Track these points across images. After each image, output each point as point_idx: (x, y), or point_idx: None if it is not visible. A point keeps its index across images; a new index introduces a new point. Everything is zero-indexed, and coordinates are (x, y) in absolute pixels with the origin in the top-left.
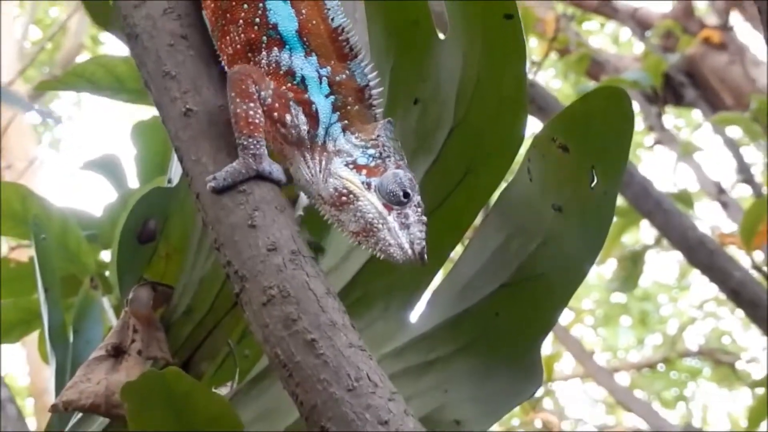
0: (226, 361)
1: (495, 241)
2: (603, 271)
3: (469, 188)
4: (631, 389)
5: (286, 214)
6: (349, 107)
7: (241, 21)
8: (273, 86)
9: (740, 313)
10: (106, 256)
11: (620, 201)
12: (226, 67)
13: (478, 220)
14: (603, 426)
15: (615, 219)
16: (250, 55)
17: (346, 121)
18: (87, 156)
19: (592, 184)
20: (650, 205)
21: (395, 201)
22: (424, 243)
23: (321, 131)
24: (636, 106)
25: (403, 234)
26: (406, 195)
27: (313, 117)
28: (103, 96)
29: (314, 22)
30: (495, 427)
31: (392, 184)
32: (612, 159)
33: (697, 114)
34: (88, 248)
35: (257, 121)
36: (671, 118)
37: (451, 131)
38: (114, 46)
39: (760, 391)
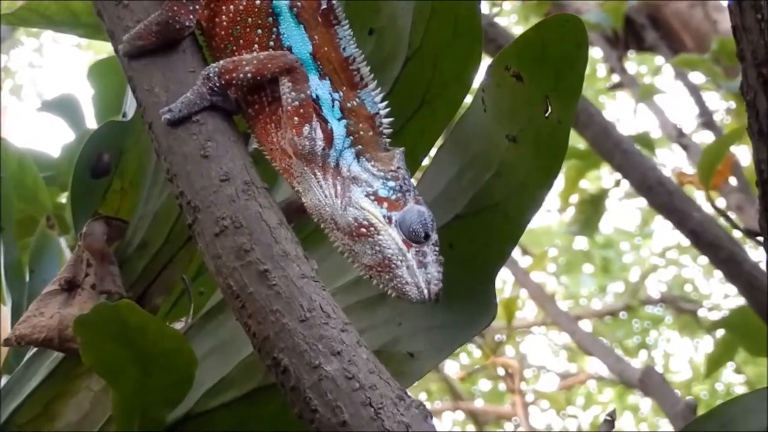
0: (181, 298)
1: (449, 171)
2: (564, 218)
3: (425, 119)
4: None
5: (240, 145)
6: (362, 133)
7: (255, 46)
8: (306, 95)
9: (702, 260)
10: (64, 198)
11: (580, 143)
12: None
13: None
14: (565, 373)
15: (575, 162)
16: None
17: (359, 147)
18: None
19: (547, 113)
20: (610, 145)
21: (415, 239)
22: (441, 285)
23: (334, 152)
24: (598, 51)
25: (420, 273)
26: (427, 236)
27: (328, 136)
28: (59, 31)
29: (326, 49)
30: (456, 370)
31: (415, 222)
32: (566, 87)
33: (659, 60)
34: (45, 188)
35: (239, 82)
36: (633, 65)
37: (406, 62)
38: None
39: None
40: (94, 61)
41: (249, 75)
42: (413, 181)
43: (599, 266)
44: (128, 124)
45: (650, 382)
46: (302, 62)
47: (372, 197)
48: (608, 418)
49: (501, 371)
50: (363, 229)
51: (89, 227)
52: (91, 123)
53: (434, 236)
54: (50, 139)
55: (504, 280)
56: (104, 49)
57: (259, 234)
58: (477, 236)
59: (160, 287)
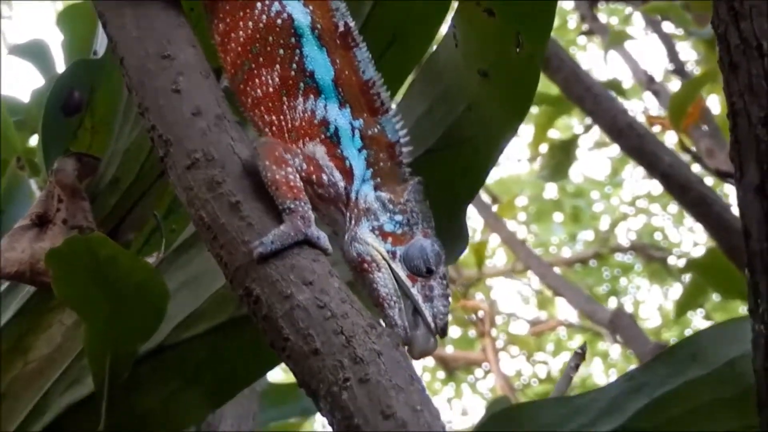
0: (153, 235)
1: (420, 107)
2: (535, 167)
3: (395, 57)
4: None
5: (211, 79)
6: (381, 164)
7: (277, 66)
8: (301, 151)
9: (672, 209)
10: (34, 143)
11: (551, 88)
12: (246, 111)
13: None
14: (535, 320)
15: (545, 108)
16: (285, 99)
17: (378, 180)
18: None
19: (518, 48)
20: (581, 90)
21: (418, 273)
22: (447, 319)
23: (355, 186)
24: (569, 3)
25: (426, 307)
26: (430, 270)
27: (347, 173)
28: None
29: (347, 73)
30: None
31: (417, 258)
32: (537, 21)
33: (629, 11)
34: (15, 131)
35: (299, 184)
36: (604, 17)
37: None
38: None
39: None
40: (64, 7)
41: (289, 171)
42: (426, 212)
43: (569, 215)
44: (99, 62)
45: (620, 323)
46: (322, 89)
47: (377, 231)
48: (579, 350)
49: (472, 318)
50: (365, 264)
51: (60, 163)
52: (61, 69)
53: (441, 270)
54: (20, 87)
55: (474, 229)
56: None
57: (231, 166)
58: (448, 170)
59: (132, 223)
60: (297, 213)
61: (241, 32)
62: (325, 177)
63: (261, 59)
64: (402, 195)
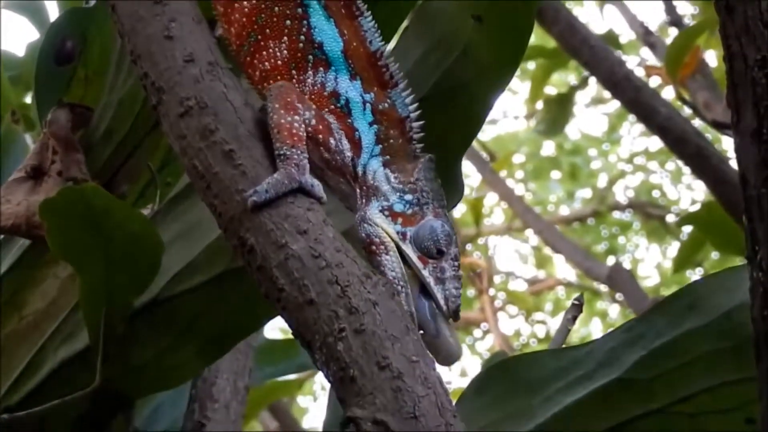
0: (147, 188)
1: (414, 54)
2: (532, 124)
3: (389, 4)
4: None
5: (203, 26)
6: (392, 140)
7: (285, 37)
8: (315, 108)
9: (670, 166)
10: (29, 99)
11: (547, 42)
12: (254, 85)
13: None
14: (533, 279)
15: (541, 61)
16: (294, 72)
17: (387, 157)
18: None
19: None
20: (577, 42)
21: (429, 255)
22: (459, 301)
23: (362, 160)
24: None
25: (438, 289)
26: (440, 252)
27: (356, 144)
28: None
29: (354, 44)
30: None
31: (427, 239)
32: None
33: None
34: (10, 86)
35: (301, 133)
36: None
37: None
38: None
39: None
40: None
41: (295, 119)
42: (437, 190)
43: (567, 172)
44: (91, 10)
45: (618, 278)
46: (332, 61)
47: (387, 212)
48: (576, 302)
49: (470, 275)
50: (373, 246)
51: (54, 115)
52: None
53: (453, 250)
54: (15, 42)
55: (472, 187)
56: None
57: (224, 114)
58: (443, 118)
59: (126, 175)
60: (292, 160)
61: (245, 2)
62: (332, 141)
63: (267, 31)
64: (412, 173)
